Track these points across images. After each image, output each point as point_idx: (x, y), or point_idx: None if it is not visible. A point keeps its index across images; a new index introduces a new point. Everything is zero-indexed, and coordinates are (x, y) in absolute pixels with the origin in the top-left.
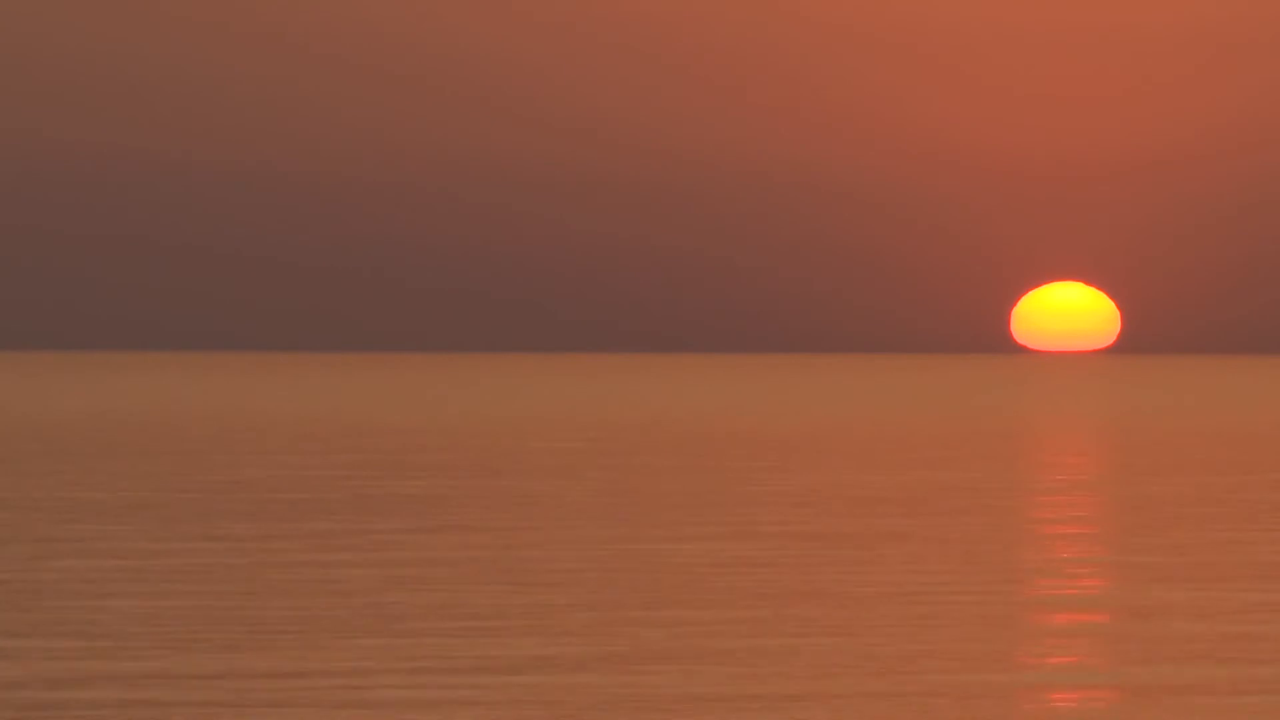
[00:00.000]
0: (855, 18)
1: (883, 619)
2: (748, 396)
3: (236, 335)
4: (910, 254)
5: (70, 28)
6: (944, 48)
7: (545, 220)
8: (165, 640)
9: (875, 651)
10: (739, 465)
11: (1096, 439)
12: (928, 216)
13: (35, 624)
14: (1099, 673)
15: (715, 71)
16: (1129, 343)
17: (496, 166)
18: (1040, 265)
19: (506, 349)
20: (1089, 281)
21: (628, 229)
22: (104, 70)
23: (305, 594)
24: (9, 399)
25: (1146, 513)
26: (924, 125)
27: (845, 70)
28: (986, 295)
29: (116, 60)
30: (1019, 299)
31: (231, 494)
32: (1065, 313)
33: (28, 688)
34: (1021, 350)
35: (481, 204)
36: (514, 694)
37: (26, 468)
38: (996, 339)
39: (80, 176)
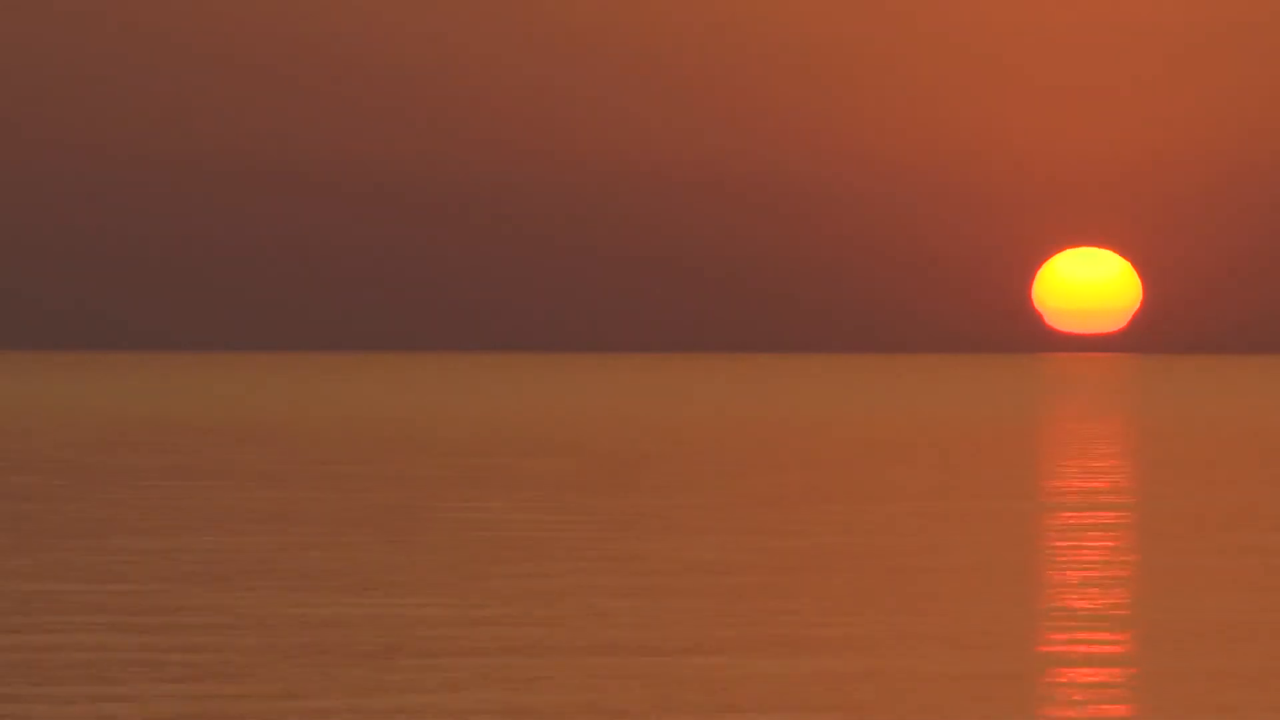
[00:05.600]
0: (869, 15)
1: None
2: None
3: (231, 335)
4: (925, 246)
5: (69, 28)
6: (950, 45)
7: (548, 222)
8: None
9: None
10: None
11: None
12: (939, 209)
13: None
14: None
15: (728, 70)
16: (1151, 311)
17: (493, 167)
18: (1057, 232)
19: (499, 349)
20: (1106, 245)
21: (654, 230)
22: (104, 71)
23: None
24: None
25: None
26: (939, 123)
27: (852, 72)
28: (1009, 264)
29: (116, 60)
30: (1039, 267)
31: None
32: (1086, 283)
33: None
34: (1045, 330)
35: (478, 204)
36: None
37: None
38: (1018, 317)
39: (78, 176)
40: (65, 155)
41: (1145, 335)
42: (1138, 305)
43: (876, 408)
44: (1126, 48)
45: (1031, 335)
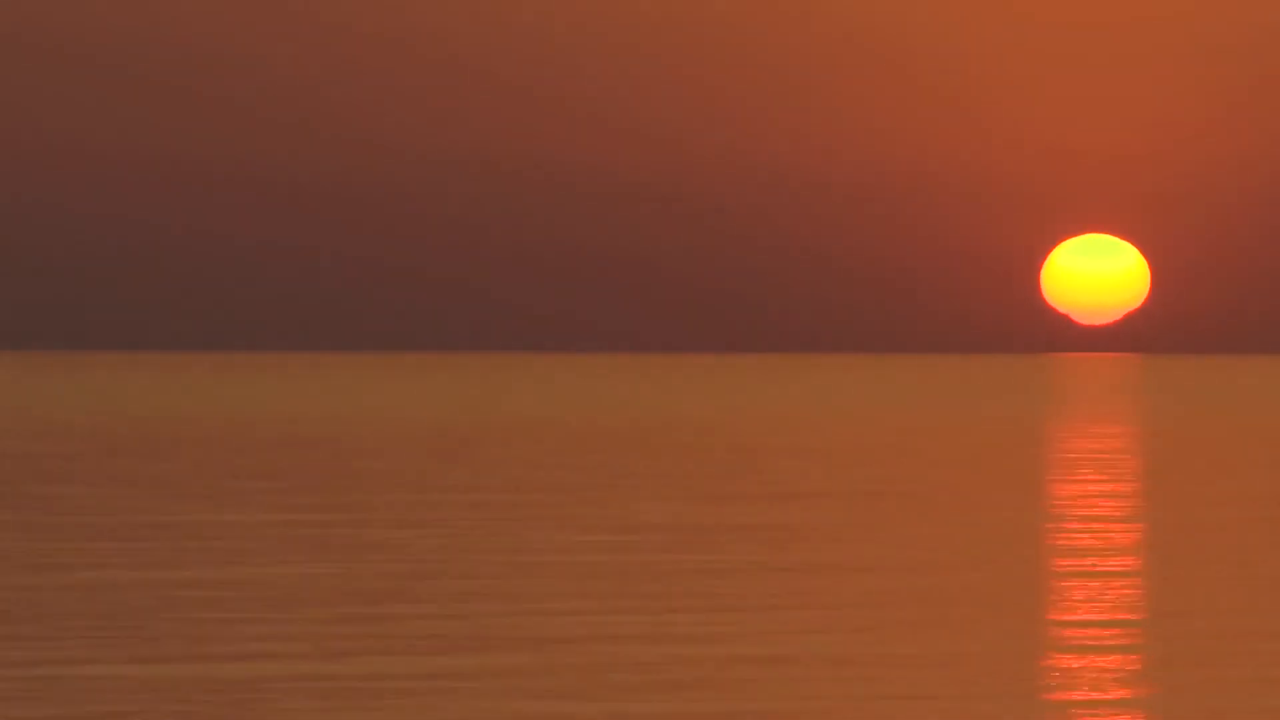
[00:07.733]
0: (874, 15)
1: None
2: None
3: (228, 335)
4: (926, 241)
5: (69, 27)
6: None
7: (553, 221)
8: None
9: None
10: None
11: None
12: (941, 203)
13: None
14: None
15: (728, 70)
16: (1160, 298)
17: (492, 166)
18: (1064, 220)
19: (497, 349)
20: (1114, 232)
21: (654, 230)
22: (102, 68)
23: None
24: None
25: None
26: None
27: (859, 72)
28: (1016, 251)
29: (115, 59)
30: (1046, 256)
31: None
32: (1094, 272)
33: None
34: (1053, 327)
35: (478, 203)
36: None
37: None
38: (1026, 314)
39: (79, 174)
40: (63, 154)
41: (1148, 334)
42: (1144, 297)
43: (880, 407)
44: (1130, 46)
45: (1032, 334)
